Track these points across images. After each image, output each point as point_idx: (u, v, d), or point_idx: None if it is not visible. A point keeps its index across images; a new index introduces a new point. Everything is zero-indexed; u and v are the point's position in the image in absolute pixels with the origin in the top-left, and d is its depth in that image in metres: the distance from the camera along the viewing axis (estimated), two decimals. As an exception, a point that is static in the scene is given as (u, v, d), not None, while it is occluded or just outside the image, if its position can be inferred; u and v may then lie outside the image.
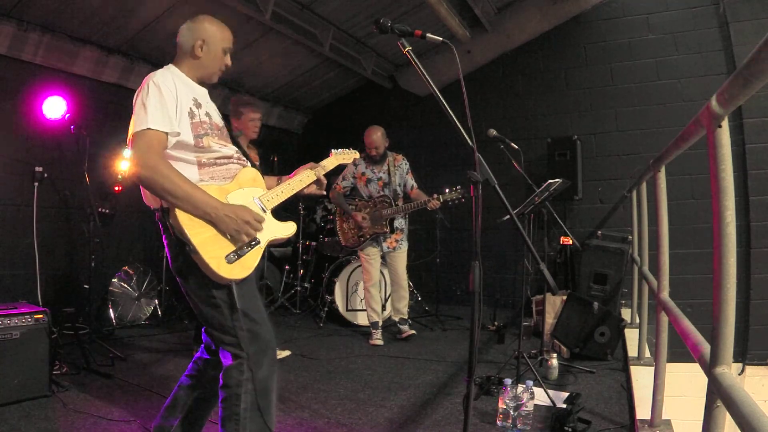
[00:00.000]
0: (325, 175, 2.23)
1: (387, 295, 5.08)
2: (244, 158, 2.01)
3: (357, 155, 2.43)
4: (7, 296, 3.92)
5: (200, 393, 2.00)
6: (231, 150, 1.94)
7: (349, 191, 4.59)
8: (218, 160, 1.86)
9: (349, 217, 4.49)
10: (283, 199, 2.01)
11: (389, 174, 4.49)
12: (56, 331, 3.13)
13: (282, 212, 2.00)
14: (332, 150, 2.34)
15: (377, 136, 4.42)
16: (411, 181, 4.57)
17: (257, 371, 1.77)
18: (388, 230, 4.38)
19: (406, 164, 4.60)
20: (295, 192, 2.07)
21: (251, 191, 1.92)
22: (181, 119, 1.76)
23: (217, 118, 1.95)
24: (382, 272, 4.85)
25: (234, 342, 1.76)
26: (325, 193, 2.23)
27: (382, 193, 4.46)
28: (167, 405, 2.02)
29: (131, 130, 1.71)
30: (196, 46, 1.87)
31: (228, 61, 1.97)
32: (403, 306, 4.61)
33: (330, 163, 2.27)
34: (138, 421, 2.62)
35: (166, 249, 1.83)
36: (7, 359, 2.77)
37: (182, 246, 1.70)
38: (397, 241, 4.53)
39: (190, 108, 1.81)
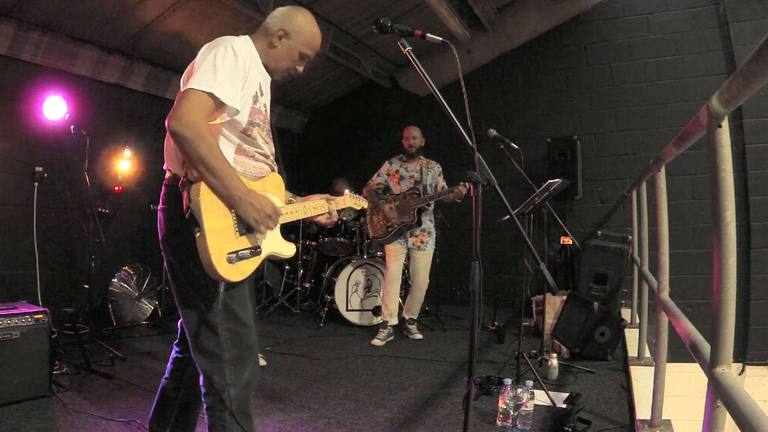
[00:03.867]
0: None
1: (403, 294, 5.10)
2: (275, 163, 1.95)
3: (365, 205, 2.46)
4: (7, 296, 3.92)
5: (184, 393, 1.94)
6: (270, 149, 1.87)
7: (382, 189, 4.70)
8: (257, 154, 1.78)
9: (379, 209, 4.58)
10: (294, 220, 1.96)
11: (421, 173, 4.60)
12: (56, 331, 3.12)
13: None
14: (347, 191, 2.35)
15: (417, 130, 4.65)
16: (443, 183, 4.65)
17: (240, 376, 1.70)
18: (414, 220, 4.44)
19: (438, 168, 4.72)
20: (306, 216, 2.02)
21: (271, 198, 1.85)
22: (244, 98, 1.65)
23: (269, 116, 1.86)
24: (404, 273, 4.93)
25: (216, 341, 1.68)
26: (333, 222, 2.19)
27: (412, 188, 4.57)
28: (154, 409, 1.96)
29: (190, 84, 1.54)
30: (277, 34, 1.76)
31: (300, 68, 1.84)
32: (416, 307, 4.69)
33: (343, 201, 2.23)
34: (138, 421, 2.62)
35: (161, 221, 1.71)
36: (7, 359, 2.77)
37: (194, 226, 1.58)
38: (422, 242, 4.57)
39: (256, 92, 1.71)
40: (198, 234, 1.58)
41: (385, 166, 4.74)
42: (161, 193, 1.74)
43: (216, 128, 1.65)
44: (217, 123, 1.65)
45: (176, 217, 1.66)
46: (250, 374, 1.75)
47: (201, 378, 1.73)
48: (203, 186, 1.58)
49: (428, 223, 4.63)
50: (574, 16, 5.89)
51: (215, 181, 1.56)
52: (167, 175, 1.74)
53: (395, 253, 4.58)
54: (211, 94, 1.54)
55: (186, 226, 1.60)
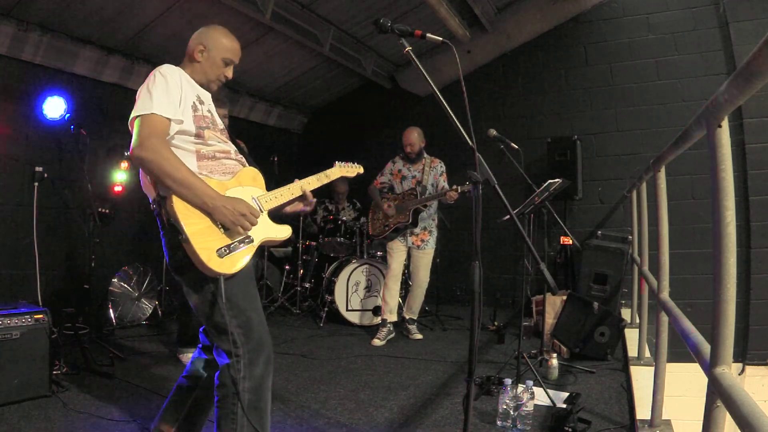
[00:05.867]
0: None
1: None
2: (243, 158, 2.02)
3: (361, 170, 2.45)
4: (7, 296, 3.92)
5: (198, 393, 2.00)
6: (230, 147, 1.95)
7: (387, 188, 4.74)
8: (217, 154, 1.87)
9: (379, 207, 4.65)
10: (281, 203, 2.02)
11: (423, 173, 4.61)
12: (56, 331, 3.13)
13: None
14: (337, 161, 2.35)
15: (414, 135, 4.60)
16: (443, 183, 4.62)
17: (253, 370, 1.76)
18: (409, 221, 4.45)
19: (441, 167, 4.69)
20: (294, 197, 2.06)
21: (250, 190, 1.92)
22: (184, 109, 1.79)
23: (219, 120, 1.97)
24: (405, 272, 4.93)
25: (228, 339, 1.75)
26: (309, 209, 2.18)
27: (411, 188, 4.58)
28: (166, 406, 2.02)
29: (133, 113, 1.72)
30: (196, 50, 1.92)
31: (228, 73, 1.98)
32: (417, 306, 4.70)
33: (333, 173, 2.28)
34: (138, 421, 2.62)
35: (163, 246, 1.82)
36: (7, 359, 2.77)
37: (177, 236, 1.69)
38: (423, 241, 4.58)
39: (194, 102, 1.84)
40: (182, 240, 1.67)
41: (389, 165, 4.77)
42: (157, 223, 1.82)
43: (171, 144, 1.76)
44: (170, 137, 1.76)
45: (168, 237, 1.77)
46: (264, 368, 1.80)
47: (218, 372, 1.80)
48: (175, 196, 1.68)
49: (430, 222, 4.63)
50: (574, 16, 5.89)
51: (184, 192, 1.69)
52: (152, 205, 1.82)
53: (396, 252, 4.59)
54: (154, 114, 1.69)
55: (177, 241, 1.70)
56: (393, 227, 4.53)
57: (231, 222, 1.74)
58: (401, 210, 4.53)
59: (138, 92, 1.78)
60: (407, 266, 4.92)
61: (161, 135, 1.70)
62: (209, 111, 1.91)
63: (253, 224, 1.81)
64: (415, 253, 4.60)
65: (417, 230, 4.56)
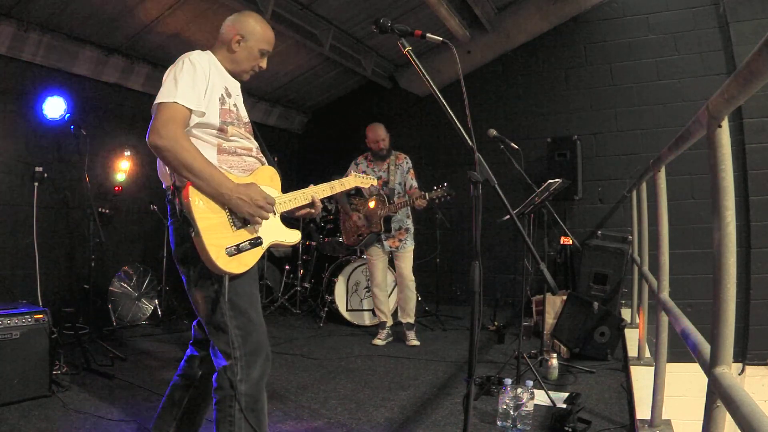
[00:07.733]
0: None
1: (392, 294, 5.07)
2: (263, 156, 1.99)
3: (375, 181, 2.46)
4: (7, 296, 3.92)
5: (194, 391, 1.99)
6: (252, 144, 1.93)
7: (354, 190, 4.56)
8: (238, 150, 1.85)
9: (348, 217, 4.51)
10: (294, 207, 1.99)
11: (389, 172, 4.46)
12: (56, 331, 3.12)
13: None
14: (353, 171, 2.36)
15: (383, 131, 4.44)
16: (411, 181, 4.49)
17: (250, 372, 1.75)
18: (382, 229, 4.35)
19: (407, 163, 4.53)
20: (307, 201, 2.04)
21: (266, 190, 1.89)
22: (210, 102, 1.75)
23: (244, 114, 1.93)
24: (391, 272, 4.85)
25: (227, 340, 1.73)
26: (316, 213, 2.14)
27: (378, 192, 4.43)
28: (163, 405, 2.01)
29: (157, 99, 1.68)
30: (233, 39, 1.87)
31: (263, 63, 1.95)
32: (410, 307, 4.53)
33: (348, 182, 2.30)
34: (138, 421, 2.63)
35: (170, 234, 1.80)
36: (7, 359, 2.77)
37: (187, 229, 1.66)
38: (400, 240, 4.49)
39: (221, 94, 1.81)
40: (193, 234, 1.65)
41: (352, 166, 4.54)
42: (167, 210, 1.80)
43: (192, 135, 1.73)
44: (190, 127, 1.73)
45: (177, 226, 1.75)
46: (261, 371, 1.79)
47: (215, 374, 1.78)
48: (191, 188, 1.65)
49: (405, 220, 4.49)
50: (573, 16, 5.89)
51: (201, 182, 1.65)
52: (167, 191, 1.79)
53: (376, 259, 4.49)
54: (175, 103, 1.65)
55: (186, 232, 1.67)
56: (367, 236, 4.43)
57: (249, 213, 1.71)
58: (371, 219, 4.38)
59: (165, 76, 1.73)
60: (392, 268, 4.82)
61: (180, 123, 1.66)
62: (235, 105, 1.88)
63: (270, 212, 1.79)
64: (396, 255, 4.50)
65: (393, 232, 4.44)
